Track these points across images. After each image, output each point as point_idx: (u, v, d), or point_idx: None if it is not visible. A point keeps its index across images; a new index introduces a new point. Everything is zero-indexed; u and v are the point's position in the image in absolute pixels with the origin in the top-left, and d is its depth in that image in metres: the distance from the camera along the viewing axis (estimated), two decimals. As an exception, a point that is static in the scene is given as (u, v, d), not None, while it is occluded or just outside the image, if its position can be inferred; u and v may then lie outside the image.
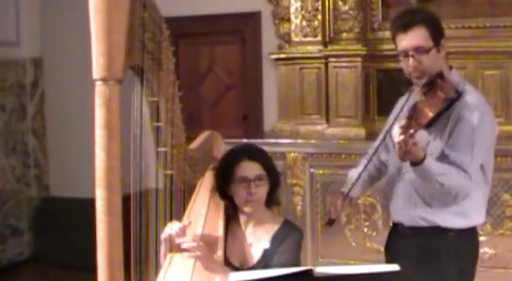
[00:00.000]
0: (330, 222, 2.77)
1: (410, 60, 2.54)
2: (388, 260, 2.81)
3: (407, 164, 2.57)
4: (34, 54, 6.02)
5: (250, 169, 2.45)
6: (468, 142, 2.50)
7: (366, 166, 2.74)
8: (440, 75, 2.50)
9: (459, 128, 2.51)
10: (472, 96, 2.58)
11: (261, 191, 2.46)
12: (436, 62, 2.56)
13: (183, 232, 2.32)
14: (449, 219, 2.60)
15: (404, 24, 2.56)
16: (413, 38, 2.53)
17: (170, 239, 2.33)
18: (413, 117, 2.37)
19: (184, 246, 2.29)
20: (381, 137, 2.83)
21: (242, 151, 2.53)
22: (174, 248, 2.35)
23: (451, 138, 2.51)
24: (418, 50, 2.53)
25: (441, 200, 2.58)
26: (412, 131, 2.31)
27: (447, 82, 2.49)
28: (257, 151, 2.55)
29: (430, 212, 2.62)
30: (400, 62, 2.64)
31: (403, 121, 2.35)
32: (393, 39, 2.64)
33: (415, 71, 2.55)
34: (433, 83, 2.48)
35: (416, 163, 2.41)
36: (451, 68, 2.66)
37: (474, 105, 2.54)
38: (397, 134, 2.33)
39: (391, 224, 2.93)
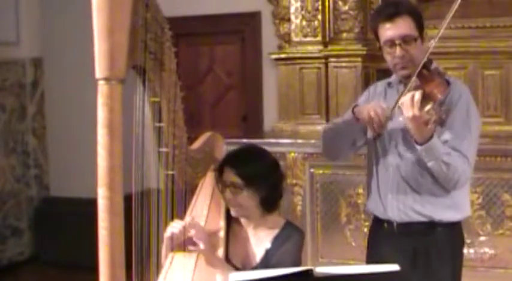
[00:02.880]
0: (378, 136, 2.57)
1: (398, 50, 2.53)
2: (372, 256, 2.79)
3: (392, 155, 2.60)
4: (34, 54, 6.03)
5: (226, 174, 2.46)
6: (464, 128, 2.52)
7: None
8: (424, 65, 2.49)
9: (453, 115, 2.52)
10: (459, 86, 2.62)
11: (240, 198, 2.44)
12: (421, 52, 2.55)
13: (185, 230, 2.34)
14: (442, 212, 2.61)
15: (390, 13, 2.55)
16: (401, 27, 2.53)
17: (172, 238, 2.34)
18: (425, 93, 2.36)
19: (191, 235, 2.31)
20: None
21: (228, 156, 2.54)
22: (176, 247, 2.36)
23: (446, 124, 2.50)
24: (406, 38, 2.53)
25: (432, 191, 2.58)
26: (436, 98, 2.32)
27: (439, 70, 2.51)
28: (239, 158, 2.51)
29: (421, 203, 2.60)
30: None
31: (414, 96, 2.33)
32: (375, 31, 2.63)
33: (401, 60, 2.54)
34: (422, 73, 2.46)
35: (424, 141, 2.40)
36: (430, 60, 2.66)
37: (463, 92, 2.59)
38: (416, 104, 2.31)
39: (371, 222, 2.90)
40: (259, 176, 2.45)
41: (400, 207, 2.64)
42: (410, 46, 2.53)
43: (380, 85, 2.83)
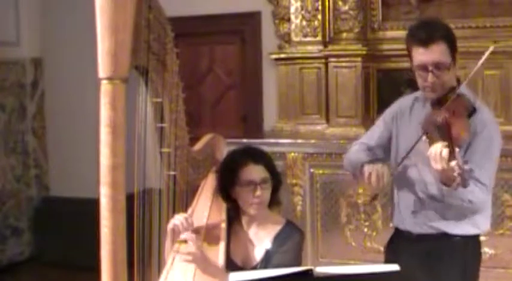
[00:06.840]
0: (375, 197, 2.71)
1: (430, 76, 2.51)
2: (389, 260, 2.80)
3: (422, 180, 2.60)
4: (34, 54, 6.03)
5: (255, 172, 2.47)
6: (485, 156, 2.51)
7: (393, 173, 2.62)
8: (453, 89, 2.51)
9: (476, 143, 2.51)
10: (485, 113, 2.59)
11: (266, 193, 2.48)
12: (453, 76, 2.57)
13: (187, 222, 2.35)
14: (459, 227, 2.62)
15: (425, 38, 2.51)
16: (435, 53, 2.50)
17: (174, 230, 2.35)
18: (452, 141, 2.32)
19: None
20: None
21: (246, 154, 2.53)
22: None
23: (467, 152, 2.50)
24: (439, 65, 2.50)
25: (458, 214, 2.58)
26: (457, 152, 2.28)
27: (465, 98, 2.50)
28: (260, 154, 2.57)
29: (442, 223, 2.62)
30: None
31: (444, 147, 2.29)
32: (408, 50, 2.60)
33: (432, 85, 2.53)
34: (449, 98, 2.47)
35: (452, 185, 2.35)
36: (457, 79, 2.65)
37: (488, 121, 2.57)
38: (443, 160, 2.27)
39: (391, 226, 2.93)
40: (276, 169, 2.55)
41: (421, 225, 2.66)
42: (443, 73, 2.51)
43: (408, 98, 2.81)
